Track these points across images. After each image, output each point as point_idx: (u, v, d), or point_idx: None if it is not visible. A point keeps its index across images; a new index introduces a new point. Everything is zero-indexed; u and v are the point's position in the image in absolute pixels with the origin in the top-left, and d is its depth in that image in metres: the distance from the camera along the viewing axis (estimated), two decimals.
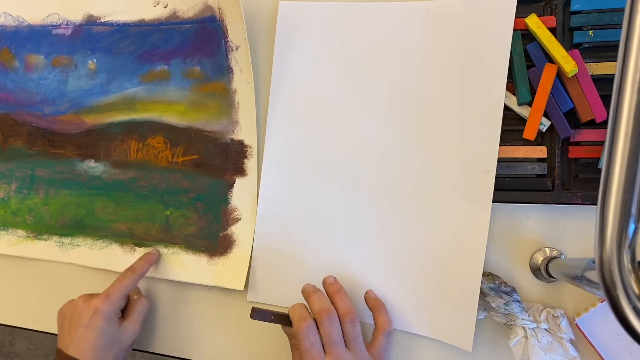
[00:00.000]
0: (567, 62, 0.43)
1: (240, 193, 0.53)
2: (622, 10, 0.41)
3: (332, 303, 0.46)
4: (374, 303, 0.48)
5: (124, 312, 0.51)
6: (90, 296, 0.50)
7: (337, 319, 0.45)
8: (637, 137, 0.25)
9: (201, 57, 0.54)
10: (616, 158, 0.26)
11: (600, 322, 0.43)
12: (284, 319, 0.47)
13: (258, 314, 0.46)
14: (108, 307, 0.49)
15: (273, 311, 0.47)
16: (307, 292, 0.47)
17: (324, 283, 0.48)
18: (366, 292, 0.48)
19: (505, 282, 0.45)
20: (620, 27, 0.27)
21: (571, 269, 0.37)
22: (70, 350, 0.48)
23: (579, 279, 0.35)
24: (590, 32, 0.44)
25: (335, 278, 0.49)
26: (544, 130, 0.45)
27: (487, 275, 0.45)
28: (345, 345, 0.44)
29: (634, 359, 0.43)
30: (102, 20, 0.58)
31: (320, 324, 0.44)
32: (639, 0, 0.26)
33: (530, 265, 0.47)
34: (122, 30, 0.57)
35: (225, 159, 0.54)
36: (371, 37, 0.50)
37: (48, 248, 0.59)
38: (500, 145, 0.46)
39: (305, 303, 0.46)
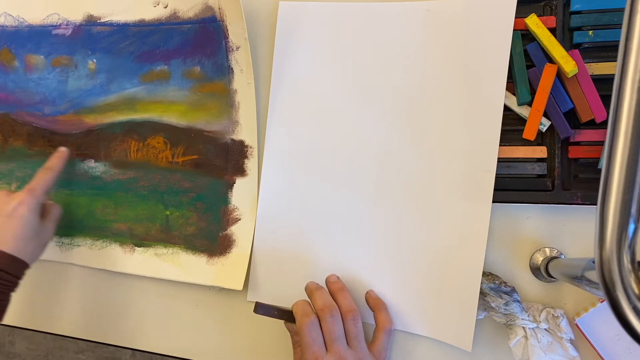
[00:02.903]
0: (567, 62, 0.43)
1: (240, 193, 0.53)
2: (622, 10, 0.41)
3: (335, 300, 0.46)
4: (374, 302, 0.48)
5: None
6: (10, 192, 0.51)
7: (340, 316, 0.45)
8: (637, 137, 0.25)
9: (201, 57, 0.54)
10: (616, 158, 0.26)
11: (600, 322, 0.43)
12: (286, 315, 0.47)
13: (262, 308, 0.46)
14: (33, 199, 0.50)
15: (276, 306, 0.47)
16: (310, 289, 0.47)
17: (327, 281, 0.48)
18: (367, 292, 0.49)
19: (505, 282, 0.45)
20: (620, 27, 0.27)
21: (571, 269, 0.37)
22: None
23: (579, 279, 0.35)
24: (590, 32, 0.44)
25: (337, 277, 0.49)
26: (544, 130, 0.45)
27: (487, 275, 0.45)
28: (347, 343, 0.44)
29: (634, 359, 0.43)
30: (102, 20, 0.58)
31: (323, 320, 0.44)
32: (639, 0, 0.26)
33: (530, 265, 0.47)
34: (122, 30, 0.57)
35: (226, 159, 0.54)
36: (371, 37, 0.50)
37: (48, 248, 0.59)
38: (500, 145, 0.46)
39: (309, 300, 0.47)
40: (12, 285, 0.48)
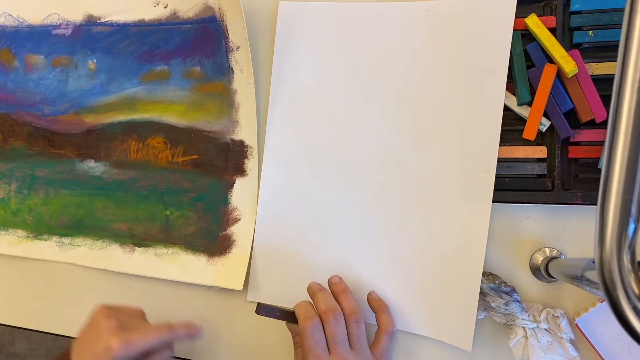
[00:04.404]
0: (567, 62, 0.43)
1: (240, 193, 0.53)
2: (622, 10, 0.41)
3: (338, 302, 0.46)
4: (376, 304, 0.48)
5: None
6: (117, 327, 0.44)
7: (343, 319, 0.45)
8: (637, 137, 0.25)
9: (201, 57, 0.54)
10: (616, 158, 0.26)
11: (600, 322, 0.43)
12: (289, 316, 0.47)
13: (264, 309, 0.46)
14: (122, 352, 0.43)
15: (278, 307, 0.47)
16: (312, 290, 0.47)
17: (330, 282, 0.48)
18: (369, 293, 0.49)
19: (505, 282, 0.45)
20: (620, 27, 0.27)
21: (571, 269, 0.37)
22: None
23: (579, 279, 0.35)
24: (590, 32, 0.44)
25: (340, 278, 0.49)
26: (543, 130, 0.45)
27: (487, 275, 0.45)
28: (349, 345, 0.44)
29: (634, 359, 0.43)
30: (102, 20, 0.58)
31: (326, 323, 0.44)
32: (639, 0, 0.26)
33: (530, 265, 0.47)
34: (122, 30, 0.57)
35: (226, 159, 0.54)
36: (371, 36, 0.50)
37: (48, 248, 0.59)
38: (500, 145, 0.46)
39: (311, 301, 0.47)
40: None
